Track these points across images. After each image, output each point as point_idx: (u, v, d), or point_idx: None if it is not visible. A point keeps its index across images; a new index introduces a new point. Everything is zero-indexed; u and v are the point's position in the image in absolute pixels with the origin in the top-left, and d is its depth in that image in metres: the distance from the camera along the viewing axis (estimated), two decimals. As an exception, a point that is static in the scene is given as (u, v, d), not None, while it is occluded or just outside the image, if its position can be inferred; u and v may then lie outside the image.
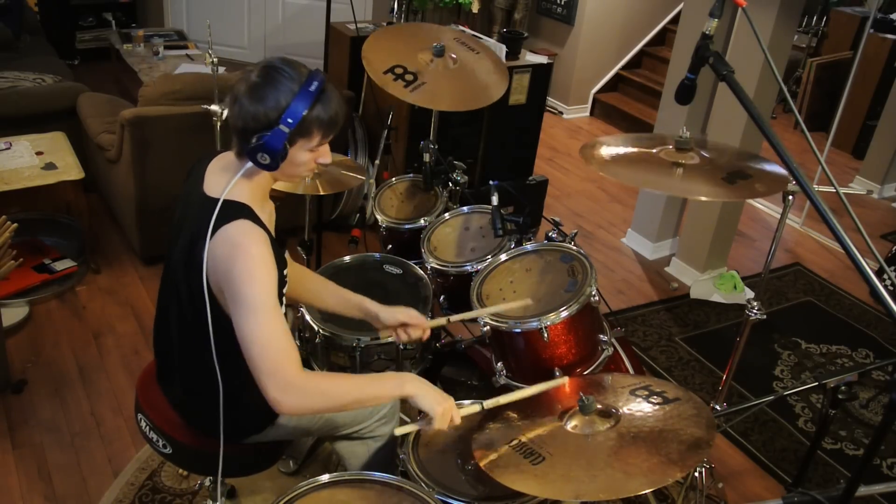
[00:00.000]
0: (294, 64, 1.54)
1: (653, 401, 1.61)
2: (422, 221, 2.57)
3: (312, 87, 1.51)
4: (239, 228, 1.52)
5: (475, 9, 5.84)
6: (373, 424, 2.00)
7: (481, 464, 1.51)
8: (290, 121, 1.50)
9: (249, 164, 1.55)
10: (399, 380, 1.59)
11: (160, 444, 1.84)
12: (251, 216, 1.56)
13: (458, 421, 1.60)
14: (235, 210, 1.54)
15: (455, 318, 1.99)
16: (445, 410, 1.57)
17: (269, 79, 1.51)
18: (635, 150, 1.99)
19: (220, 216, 1.52)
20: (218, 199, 1.55)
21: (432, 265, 2.35)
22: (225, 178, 1.59)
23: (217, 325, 1.58)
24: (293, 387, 1.47)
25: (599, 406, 1.58)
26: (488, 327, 1.99)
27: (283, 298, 1.73)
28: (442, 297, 2.40)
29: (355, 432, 1.99)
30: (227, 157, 1.67)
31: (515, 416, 1.70)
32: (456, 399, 1.62)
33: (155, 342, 1.84)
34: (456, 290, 2.32)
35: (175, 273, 1.64)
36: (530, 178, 4.25)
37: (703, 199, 2.16)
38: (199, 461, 1.86)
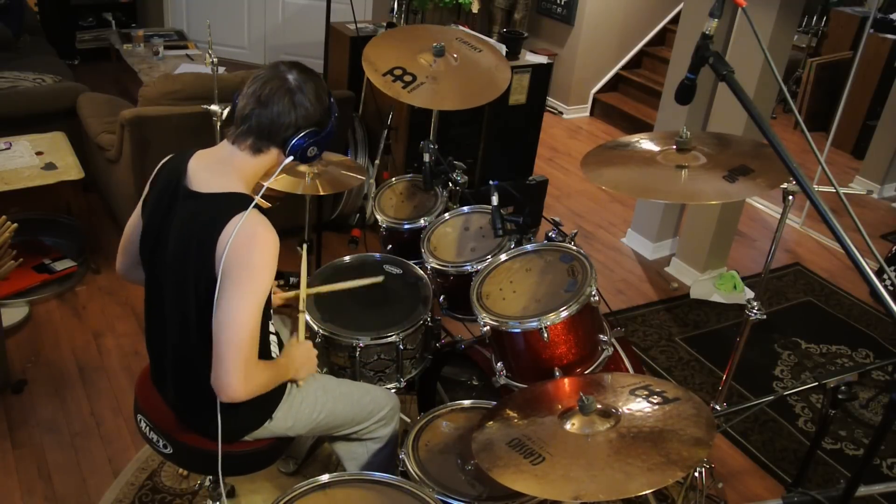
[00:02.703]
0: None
1: (653, 401, 1.61)
2: (422, 221, 2.57)
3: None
4: (257, 217, 1.56)
5: (475, 9, 5.84)
6: (371, 426, 2.00)
7: (481, 464, 1.51)
8: (336, 115, 1.65)
9: (289, 158, 1.62)
10: (287, 373, 1.78)
11: (160, 444, 1.84)
12: (259, 208, 1.60)
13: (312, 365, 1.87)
14: (248, 201, 1.57)
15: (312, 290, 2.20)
16: (311, 368, 1.86)
17: (311, 76, 1.61)
18: (656, 148, 1.98)
19: (233, 206, 1.55)
20: (218, 194, 1.58)
21: (432, 265, 2.35)
22: (221, 175, 1.61)
23: None
24: (257, 377, 1.60)
25: (599, 406, 1.58)
26: (488, 327, 1.99)
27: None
28: (442, 297, 2.40)
29: (354, 433, 1.99)
30: (213, 155, 1.66)
31: (515, 415, 1.70)
32: (455, 399, 1.63)
33: (148, 346, 1.83)
34: (456, 290, 2.32)
35: (174, 275, 1.64)
36: (530, 178, 4.25)
37: (712, 202, 2.15)
38: (200, 460, 1.86)
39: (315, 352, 1.89)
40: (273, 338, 1.82)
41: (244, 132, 1.59)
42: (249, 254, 1.52)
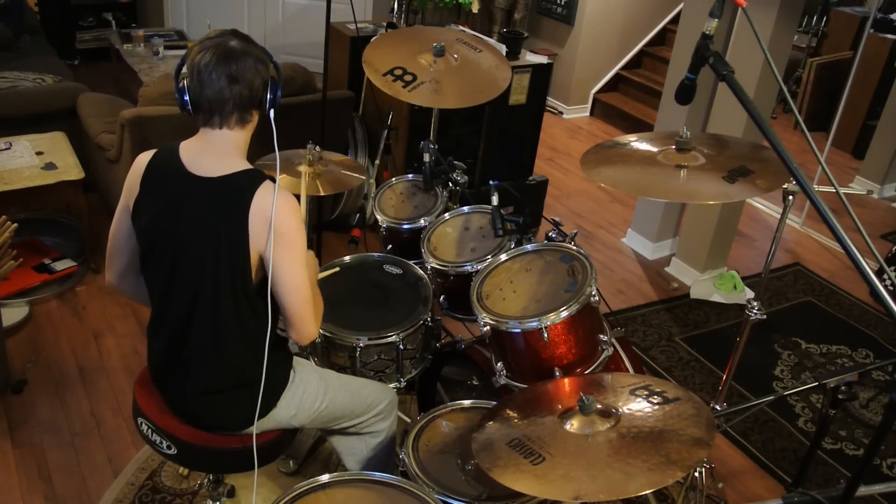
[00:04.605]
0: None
1: (653, 401, 1.61)
2: (422, 221, 2.57)
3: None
4: (280, 188, 1.65)
5: (475, 9, 5.84)
6: (370, 419, 2.02)
7: (481, 464, 1.51)
8: (271, 55, 1.70)
9: (271, 112, 1.68)
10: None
11: (164, 445, 1.83)
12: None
13: None
14: (262, 175, 1.66)
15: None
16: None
17: (238, 33, 1.64)
18: (654, 148, 1.99)
19: (253, 182, 1.64)
20: (231, 175, 1.64)
21: (432, 265, 2.35)
22: (224, 157, 1.66)
23: (249, 307, 1.69)
24: (319, 316, 1.81)
25: (599, 406, 1.58)
26: (488, 327, 2.00)
27: None
28: (442, 297, 2.40)
29: (352, 427, 2.01)
30: (204, 142, 1.68)
31: (515, 415, 1.70)
32: (455, 399, 1.64)
33: (155, 345, 1.83)
34: (456, 290, 2.32)
35: (197, 262, 1.66)
36: (530, 178, 4.25)
37: (710, 202, 2.15)
38: (204, 459, 1.86)
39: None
40: None
41: (229, 113, 1.63)
42: (284, 222, 1.62)
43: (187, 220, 1.65)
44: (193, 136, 1.70)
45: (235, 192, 1.63)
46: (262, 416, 1.80)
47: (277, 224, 1.61)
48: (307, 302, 1.69)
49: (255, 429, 1.77)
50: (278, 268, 1.64)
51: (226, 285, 1.66)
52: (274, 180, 1.67)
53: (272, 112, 1.68)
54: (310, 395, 1.89)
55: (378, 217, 2.64)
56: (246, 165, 1.68)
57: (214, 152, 1.66)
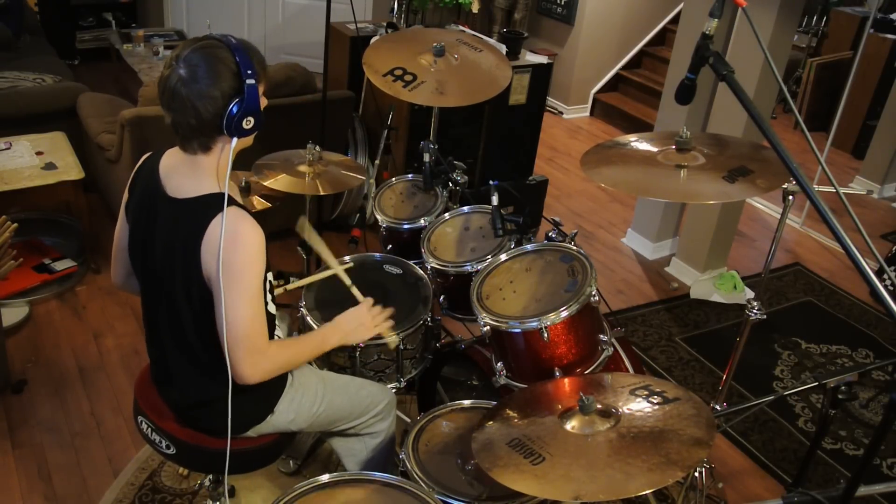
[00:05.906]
0: (200, 38, 1.55)
1: (653, 400, 1.61)
2: (422, 221, 2.57)
3: (234, 41, 1.54)
4: (237, 215, 1.55)
5: (475, 9, 5.84)
6: (369, 420, 2.02)
7: (481, 464, 1.51)
8: (249, 72, 1.52)
9: (234, 140, 1.56)
10: (328, 340, 1.85)
11: (163, 444, 1.84)
12: (238, 204, 1.59)
13: (378, 326, 1.96)
14: (223, 201, 1.56)
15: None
16: (367, 330, 1.93)
17: (202, 53, 1.51)
18: (654, 149, 1.99)
19: (211, 209, 1.55)
20: (193, 198, 1.58)
21: (432, 265, 2.35)
22: (192, 178, 1.60)
23: (208, 329, 1.62)
24: (266, 363, 1.64)
25: (599, 406, 1.58)
26: (488, 327, 1.99)
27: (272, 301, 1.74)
28: (442, 297, 2.40)
29: (351, 428, 2.01)
30: (179, 158, 1.64)
31: (515, 415, 1.70)
32: (455, 399, 1.63)
33: (149, 348, 1.84)
34: (456, 290, 2.32)
35: (164, 280, 1.65)
36: (530, 178, 4.25)
37: (710, 202, 2.13)
38: (203, 459, 1.86)
39: (362, 309, 1.94)
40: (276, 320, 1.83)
41: (185, 140, 1.58)
42: (234, 255, 1.53)
43: (155, 237, 1.64)
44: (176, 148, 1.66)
45: (192, 220, 1.56)
46: (259, 421, 1.80)
47: (224, 257, 1.52)
48: (238, 343, 1.57)
49: (228, 441, 1.73)
50: (216, 300, 1.57)
51: (184, 307, 1.63)
52: (244, 207, 1.60)
53: (234, 139, 1.55)
54: (308, 398, 1.88)
55: (378, 217, 2.64)
56: (211, 189, 1.59)
57: (186, 170, 1.62)
